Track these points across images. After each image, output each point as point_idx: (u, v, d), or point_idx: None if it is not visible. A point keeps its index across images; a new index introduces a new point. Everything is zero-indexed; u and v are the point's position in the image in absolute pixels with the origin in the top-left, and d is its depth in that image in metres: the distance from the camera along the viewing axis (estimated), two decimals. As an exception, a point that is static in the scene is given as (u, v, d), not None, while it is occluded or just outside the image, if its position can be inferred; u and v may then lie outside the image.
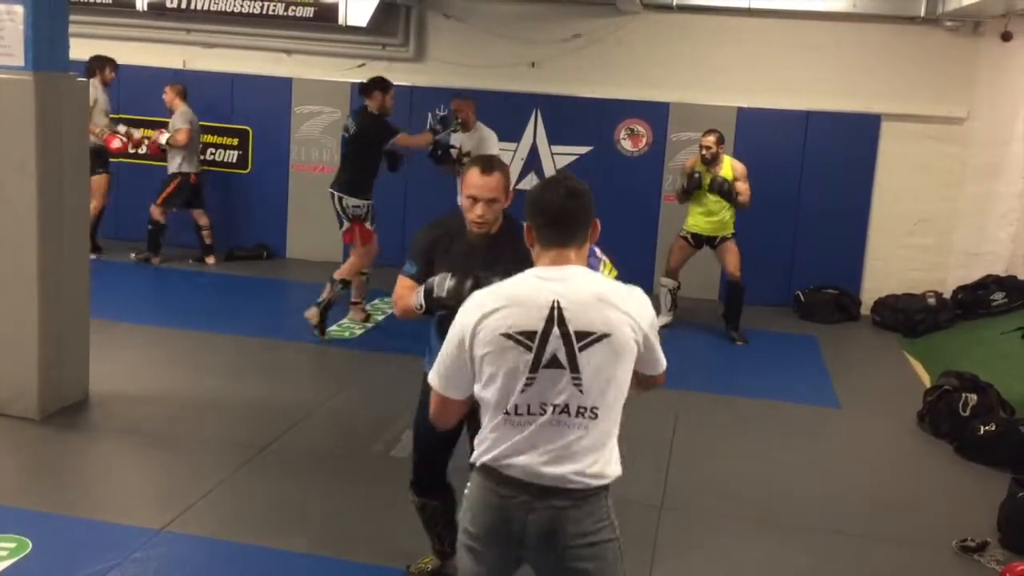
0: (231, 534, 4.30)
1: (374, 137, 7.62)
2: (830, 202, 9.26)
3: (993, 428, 5.71)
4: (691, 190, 8.01)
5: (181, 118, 9.23)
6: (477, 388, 2.51)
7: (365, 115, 7.71)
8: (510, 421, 2.47)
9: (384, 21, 9.82)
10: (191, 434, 5.45)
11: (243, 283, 9.15)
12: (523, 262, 2.62)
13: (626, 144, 9.56)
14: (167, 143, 9.24)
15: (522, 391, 2.43)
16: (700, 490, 5.14)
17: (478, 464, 2.55)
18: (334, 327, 7.61)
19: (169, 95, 9.36)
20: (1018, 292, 8.52)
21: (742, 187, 7.97)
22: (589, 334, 2.43)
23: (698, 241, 8.23)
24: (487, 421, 2.52)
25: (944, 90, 9.03)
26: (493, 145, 8.02)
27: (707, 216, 8.09)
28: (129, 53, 9.98)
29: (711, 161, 7.95)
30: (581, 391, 2.43)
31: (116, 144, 9.30)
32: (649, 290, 9.20)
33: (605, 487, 2.52)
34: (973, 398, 5.98)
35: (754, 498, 5.08)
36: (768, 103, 9.25)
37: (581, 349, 2.42)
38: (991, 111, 9.02)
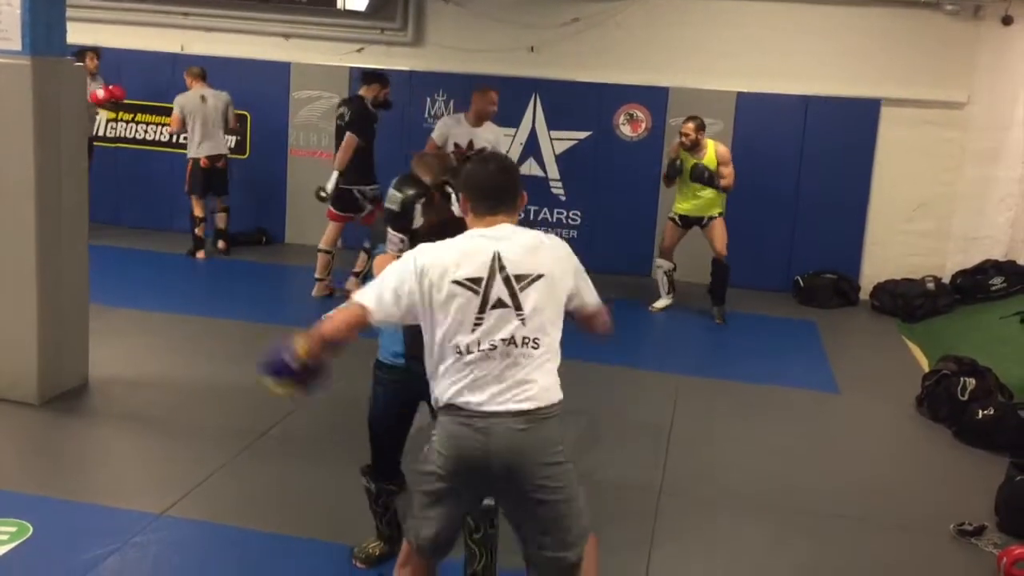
0: (230, 519, 4.32)
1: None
2: (829, 187, 9.25)
3: (991, 412, 5.72)
4: (672, 176, 8.09)
5: (175, 104, 9.07)
6: (426, 333, 2.84)
7: (357, 102, 7.98)
8: (463, 360, 2.79)
9: (383, 5, 9.78)
10: (191, 419, 5.45)
11: (242, 268, 9.15)
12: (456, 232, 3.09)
13: (625, 129, 9.54)
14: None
15: (472, 331, 2.79)
16: (699, 475, 5.16)
17: (442, 405, 2.84)
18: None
19: (186, 79, 9.20)
20: (1017, 277, 8.53)
21: (726, 171, 7.99)
22: (526, 276, 2.83)
23: (686, 222, 8.28)
24: (438, 365, 2.84)
25: (944, 75, 9.01)
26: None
27: (692, 199, 8.16)
28: (127, 37, 9.96)
29: (692, 148, 7.98)
30: (524, 324, 2.81)
31: (100, 94, 9.10)
32: (648, 273, 9.26)
33: (556, 411, 2.87)
34: (971, 382, 5.99)
35: (753, 482, 5.09)
36: (768, 88, 9.23)
37: (522, 289, 2.81)
38: (991, 96, 9.00)
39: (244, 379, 6.09)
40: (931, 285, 8.76)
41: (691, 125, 7.99)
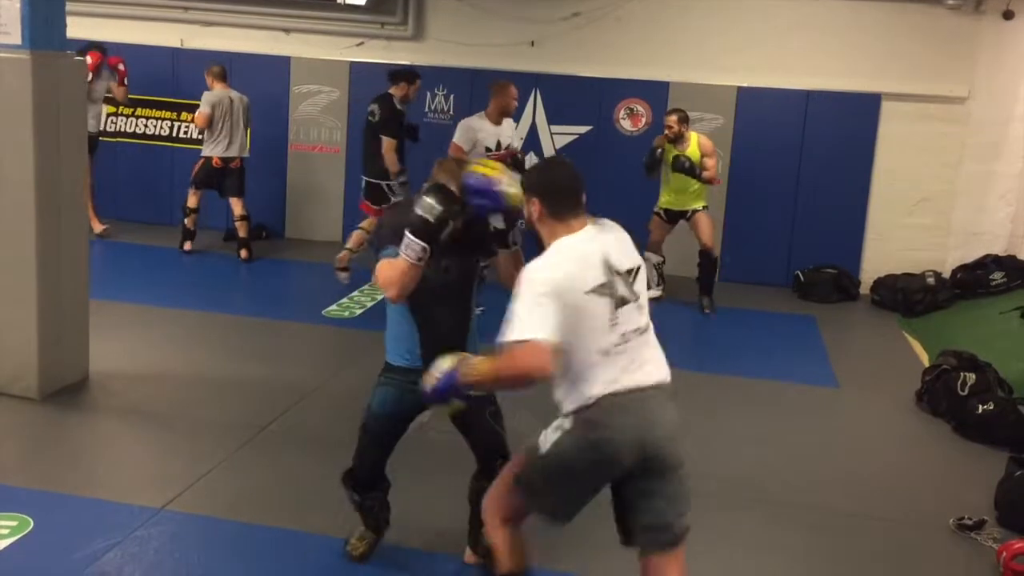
0: (231, 513, 4.32)
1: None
2: (830, 182, 9.25)
3: (991, 407, 5.72)
4: (651, 165, 8.11)
5: (204, 100, 8.95)
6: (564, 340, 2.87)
7: (385, 101, 8.17)
8: (608, 358, 2.95)
9: (383, -1, 9.78)
10: (191, 414, 5.46)
11: (242, 263, 9.13)
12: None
13: (625, 124, 9.54)
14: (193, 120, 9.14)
15: (610, 331, 2.94)
16: (697, 470, 5.08)
17: (593, 402, 2.93)
18: (333, 307, 7.62)
19: (208, 80, 9.08)
20: (1017, 272, 8.52)
21: (709, 163, 8.02)
22: (632, 270, 3.04)
23: (671, 216, 8.31)
24: (583, 371, 2.94)
25: (945, 69, 9.00)
26: None
27: (675, 192, 8.19)
28: (126, 31, 9.95)
29: (675, 140, 8.01)
30: (641, 311, 3.05)
31: (87, 59, 8.88)
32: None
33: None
34: (971, 377, 5.99)
35: (752, 477, 5.09)
36: (768, 82, 9.22)
37: (633, 281, 3.03)
38: (992, 90, 8.99)
39: (245, 374, 6.14)
40: (931, 280, 8.75)
41: (674, 117, 8.03)
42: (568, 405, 2.99)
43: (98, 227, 9.37)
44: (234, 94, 9.00)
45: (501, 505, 3.22)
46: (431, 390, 3.05)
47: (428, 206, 3.26)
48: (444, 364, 3.04)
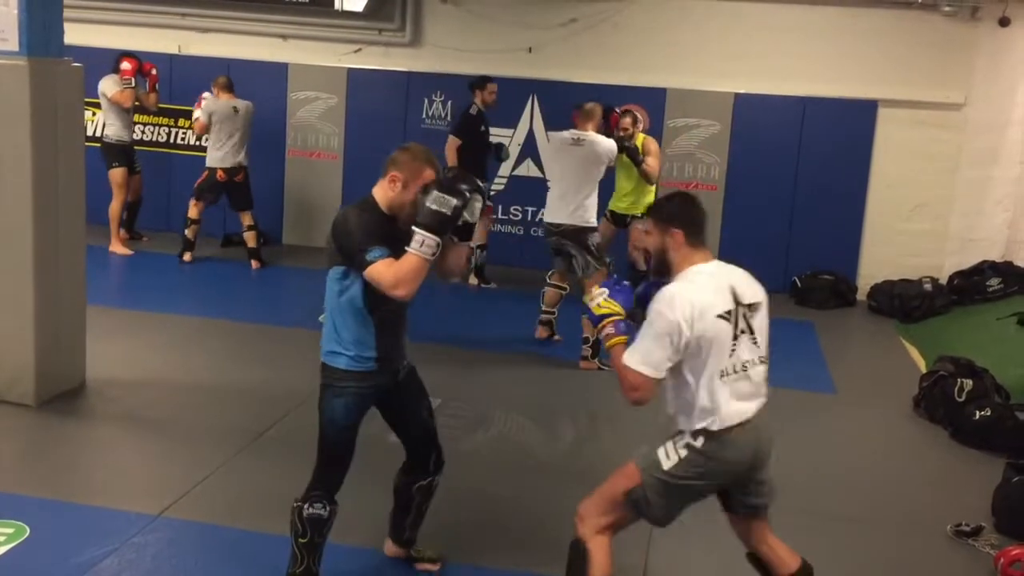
0: (229, 520, 4.32)
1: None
2: (827, 188, 9.27)
3: (988, 413, 5.73)
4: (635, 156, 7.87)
5: (203, 107, 8.89)
6: (686, 363, 3.20)
7: (465, 108, 8.53)
8: (725, 382, 3.21)
9: (380, 6, 9.79)
10: (189, 420, 5.45)
11: (239, 269, 9.14)
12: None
13: (623, 130, 9.53)
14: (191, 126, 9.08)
15: (729, 356, 3.21)
16: (696, 475, 5.15)
17: (724, 425, 3.21)
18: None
19: (214, 90, 9.01)
20: (1014, 278, 8.54)
21: (651, 160, 7.72)
22: (755, 304, 3.33)
23: (615, 219, 8.09)
24: (700, 391, 3.20)
25: (941, 76, 9.02)
26: None
27: (620, 194, 8.01)
28: (124, 38, 9.95)
29: (628, 140, 7.79)
30: (757, 345, 3.30)
31: (125, 66, 9.02)
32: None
33: None
34: (969, 383, 6.00)
35: (750, 483, 5.09)
36: (765, 89, 9.24)
37: (752, 315, 3.30)
38: (988, 96, 9.02)
39: (243, 380, 6.13)
40: (928, 286, 8.76)
41: (628, 120, 7.83)
42: (692, 423, 3.25)
43: (120, 249, 9.26)
44: (240, 103, 8.96)
45: (606, 515, 3.36)
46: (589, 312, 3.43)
47: (441, 200, 3.28)
48: (600, 303, 3.37)
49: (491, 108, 8.55)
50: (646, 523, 4.47)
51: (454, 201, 3.29)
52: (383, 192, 3.45)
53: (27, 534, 4.02)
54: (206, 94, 8.99)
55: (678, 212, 3.38)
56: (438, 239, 3.27)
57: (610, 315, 3.35)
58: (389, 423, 3.83)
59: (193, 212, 9.09)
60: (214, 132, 8.88)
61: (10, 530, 4.03)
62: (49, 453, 4.97)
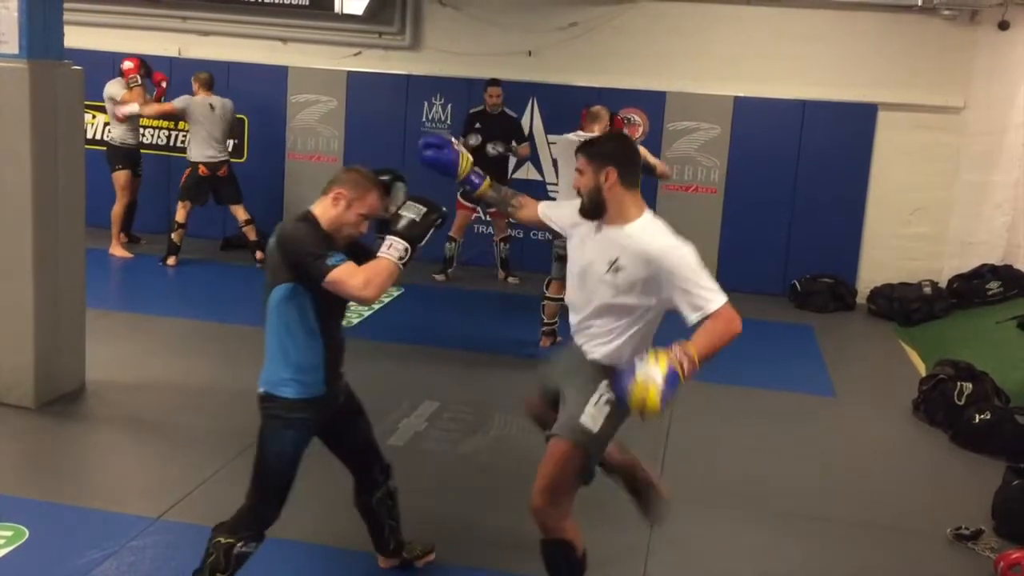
0: (228, 522, 4.31)
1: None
2: (826, 191, 9.27)
3: (988, 417, 5.72)
4: None
5: (180, 99, 8.91)
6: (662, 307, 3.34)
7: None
8: None
9: (380, 9, 9.79)
10: (188, 423, 5.45)
11: (239, 272, 9.14)
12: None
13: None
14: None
15: None
16: (695, 479, 5.16)
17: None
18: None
19: (194, 86, 9.01)
20: (1013, 281, 8.54)
21: (657, 161, 7.67)
22: None
23: None
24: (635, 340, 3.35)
25: (941, 79, 9.03)
26: None
27: None
28: (124, 41, 9.96)
29: None
30: None
31: (127, 64, 9.04)
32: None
33: None
34: (968, 387, 6.00)
35: (749, 487, 5.09)
36: (765, 92, 9.25)
37: None
38: (988, 100, 9.02)
39: (242, 382, 6.10)
40: (928, 289, 8.77)
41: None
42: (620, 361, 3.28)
43: (120, 251, 9.28)
44: (216, 100, 8.96)
45: (563, 501, 3.39)
46: (664, 400, 3.02)
47: (415, 208, 3.29)
48: (659, 368, 3.03)
49: (494, 109, 8.85)
50: (642, 530, 4.49)
51: (425, 210, 3.29)
52: (324, 209, 3.30)
53: (26, 537, 4.02)
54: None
55: (613, 152, 3.35)
56: (408, 246, 3.24)
57: (673, 368, 3.10)
58: (329, 443, 3.68)
59: (180, 215, 9.05)
60: (192, 129, 8.94)
61: (9, 533, 4.03)
62: (48, 456, 4.97)
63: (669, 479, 5.07)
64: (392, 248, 3.23)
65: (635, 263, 3.25)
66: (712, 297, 3.16)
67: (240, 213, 9.14)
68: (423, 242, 3.31)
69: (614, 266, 3.28)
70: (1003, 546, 4.42)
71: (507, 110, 8.97)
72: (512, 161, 9.21)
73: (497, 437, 5.57)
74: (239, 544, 3.40)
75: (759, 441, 5.78)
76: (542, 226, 3.74)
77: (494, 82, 8.88)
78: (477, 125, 8.79)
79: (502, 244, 9.22)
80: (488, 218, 9.38)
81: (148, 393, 5.84)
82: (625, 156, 3.37)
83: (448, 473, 5.02)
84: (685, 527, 4.60)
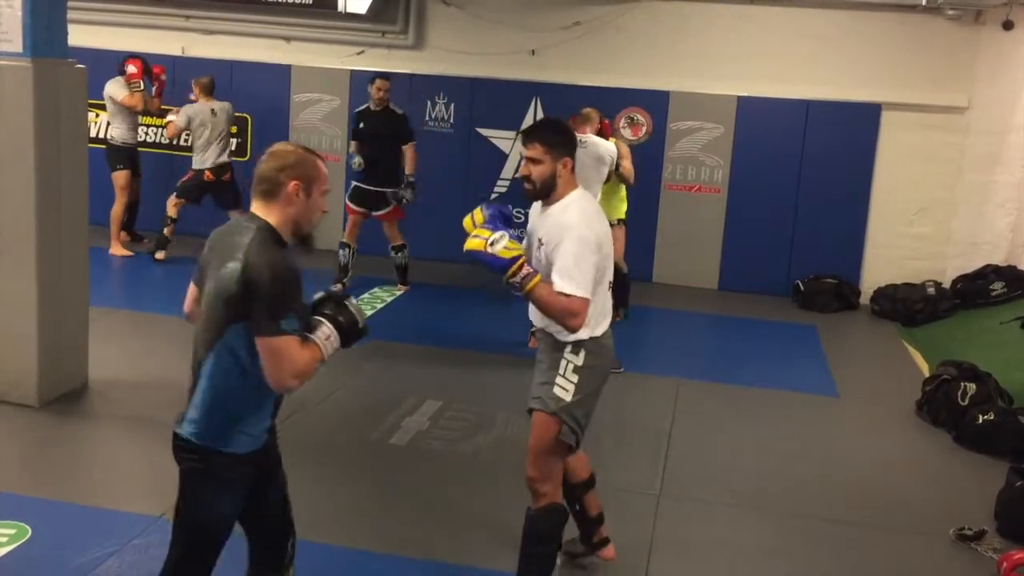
0: (230, 521, 4.30)
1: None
2: (830, 191, 9.26)
3: (991, 417, 5.71)
4: None
5: (181, 112, 8.91)
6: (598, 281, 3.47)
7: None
8: (607, 287, 3.59)
9: (383, 8, 9.80)
10: (190, 421, 5.44)
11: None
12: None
13: (626, 133, 9.53)
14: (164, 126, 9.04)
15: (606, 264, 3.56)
16: (698, 478, 5.15)
17: (597, 335, 3.55)
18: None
19: (195, 90, 8.99)
20: (1017, 282, 8.52)
21: (626, 164, 7.29)
22: None
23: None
24: (594, 308, 3.46)
25: (945, 79, 9.01)
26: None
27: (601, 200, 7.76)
28: (128, 40, 9.96)
29: None
30: None
31: (131, 69, 9.02)
32: (649, 279, 9.27)
33: None
34: (972, 387, 5.99)
35: (752, 486, 5.09)
36: (768, 92, 9.24)
37: None
38: (992, 100, 9.01)
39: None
40: (931, 290, 8.75)
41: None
42: (582, 334, 3.47)
43: (119, 251, 9.29)
44: (217, 105, 8.96)
45: (555, 469, 3.59)
46: (490, 258, 3.36)
47: (359, 309, 2.94)
48: (506, 245, 3.36)
49: (382, 104, 8.30)
50: (644, 530, 4.49)
51: (363, 320, 2.94)
52: (282, 213, 2.79)
53: (29, 535, 4.02)
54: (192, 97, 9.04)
55: (568, 143, 3.57)
56: (340, 345, 2.85)
57: (519, 256, 3.37)
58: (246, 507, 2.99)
59: (172, 210, 9.05)
60: (196, 136, 8.91)
61: (12, 531, 4.03)
62: (51, 454, 4.97)
63: (671, 478, 5.08)
64: (329, 342, 2.81)
65: (550, 235, 3.49)
66: (575, 282, 3.35)
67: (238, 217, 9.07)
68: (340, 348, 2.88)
69: (540, 242, 3.53)
70: (1006, 547, 4.41)
71: (393, 107, 8.33)
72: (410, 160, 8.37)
73: (499, 436, 5.56)
74: None
75: (761, 440, 5.77)
76: None
77: (383, 76, 8.42)
78: (361, 125, 8.33)
79: (397, 253, 8.51)
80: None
81: (151, 391, 5.84)
82: (574, 147, 3.61)
83: (450, 472, 5.02)
84: (687, 526, 4.60)
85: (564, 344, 3.52)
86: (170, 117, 9.06)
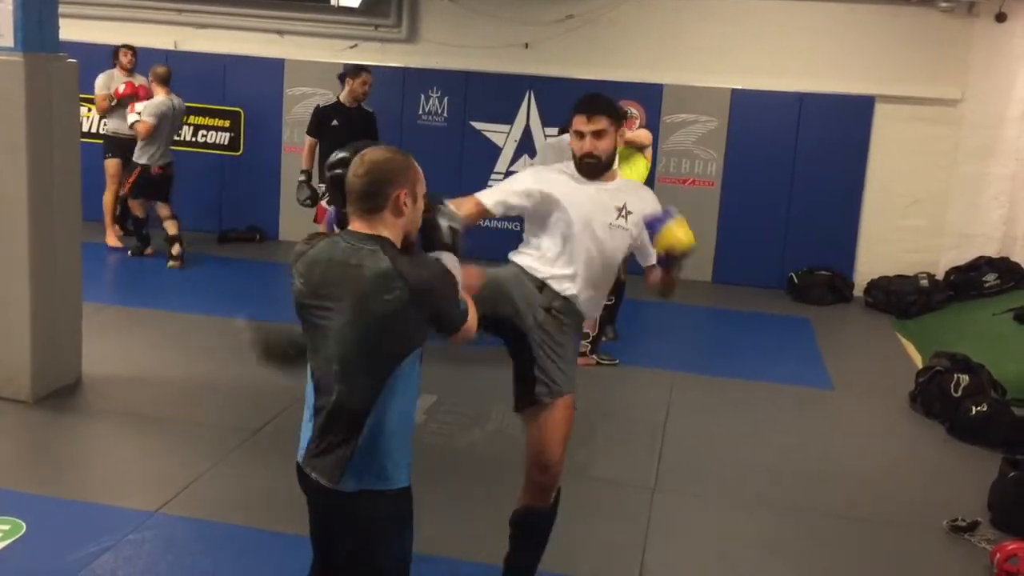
0: (225, 516, 4.31)
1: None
2: (824, 184, 9.27)
3: (984, 409, 5.73)
4: None
5: (149, 110, 8.67)
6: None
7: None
8: None
9: (376, 2, 9.78)
10: (185, 416, 5.44)
11: (236, 266, 9.13)
12: None
13: (620, 126, 9.52)
14: (130, 126, 8.85)
15: None
16: (693, 472, 5.16)
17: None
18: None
19: (152, 83, 8.84)
20: (1010, 274, 8.55)
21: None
22: None
23: None
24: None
25: (938, 72, 9.02)
26: None
27: None
28: (120, 33, 9.92)
29: None
30: None
31: (122, 89, 9.00)
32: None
33: None
34: (965, 379, 6.01)
35: (747, 479, 5.10)
36: (762, 85, 9.24)
37: None
38: (985, 92, 9.02)
39: (239, 376, 6.11)
40: (925, 282, 8.78)
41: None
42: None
43: (114, 241, 9.30)
44: (176, 100, 8.86)
45: (565, 443, 3.46)
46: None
47: (451, 214, 2.81)
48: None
49: (361, 100, 7.86)
50: (639, 523, 4.50)
51: (453, 209, 2.81)
52: (393, 225, 2.56)
53: (23, 531, 4.01)
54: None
55: (621, 114, 3.53)
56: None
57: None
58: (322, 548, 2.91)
59: (140, 212, 8.98)
60: (157, 131, 8.72)
61: (6, 527, 4.03)
62: (45, 450, 4.96)
63: (666, 472, 5.09)
64: (456, 269, 2.69)
65: (642, 204, 3.48)
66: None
67: (165, 210, 8.87)
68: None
69: (623, 211, 3.42)
70: (999, 537, 4.42)
71: (365, 104, 7.93)
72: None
73: (495, 430, 5.57)
74: None
75: (756, 433, 5.78)
76: (484, 218, 3.50)
77: (367, 69, 7.97)
78: (334, 123, 7.69)
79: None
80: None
81: (145, 387, 5.83)
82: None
83: (446, 466, 5.02)
84: (682, 520, 4.61)
85: (580, 325, 3.55)
86: (134, 116, 8.75)
